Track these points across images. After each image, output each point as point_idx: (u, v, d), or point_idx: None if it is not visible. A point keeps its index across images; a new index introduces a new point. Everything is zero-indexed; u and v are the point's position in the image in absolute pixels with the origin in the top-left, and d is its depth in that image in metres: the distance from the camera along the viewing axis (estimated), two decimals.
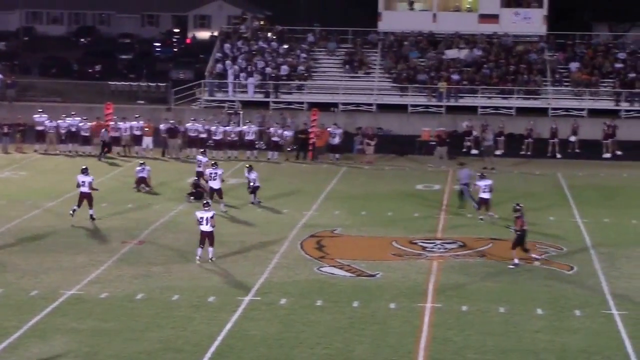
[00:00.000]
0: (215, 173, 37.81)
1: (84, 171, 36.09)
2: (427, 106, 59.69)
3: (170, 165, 48.33)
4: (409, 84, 60.87)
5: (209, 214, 30.21)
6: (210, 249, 30.49)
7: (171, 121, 52.23)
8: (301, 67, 62.58)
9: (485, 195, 36.64)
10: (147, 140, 50.96)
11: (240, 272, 29.50)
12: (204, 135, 51.31)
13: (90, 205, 35.81)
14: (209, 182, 38.25)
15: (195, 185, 39.92)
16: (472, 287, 28.25)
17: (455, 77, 60.82)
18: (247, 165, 40.43)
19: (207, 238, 30.34)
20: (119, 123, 51.78)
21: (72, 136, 51.92)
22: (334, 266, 30.28)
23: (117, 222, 35.74)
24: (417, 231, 35.30)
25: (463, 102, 59.93)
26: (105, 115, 52.57)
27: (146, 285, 27.88)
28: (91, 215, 35.86)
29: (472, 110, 58.74)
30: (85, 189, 35.72)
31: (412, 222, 36.88)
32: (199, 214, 30.44)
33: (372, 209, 38.99)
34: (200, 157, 41.96)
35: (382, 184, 44.84)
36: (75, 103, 59.99)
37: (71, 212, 35.68)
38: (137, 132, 51.35)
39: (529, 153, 52.66)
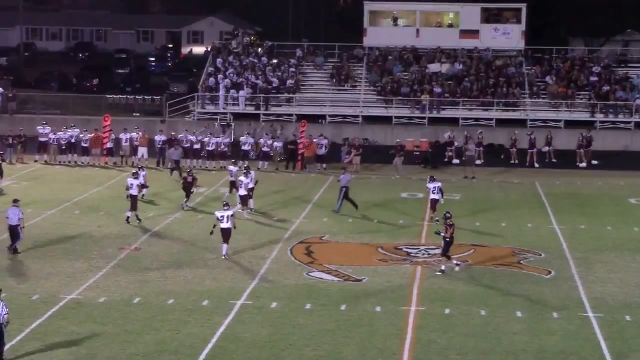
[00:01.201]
0: (241, 182, 38.20)
1: (134, 175, 37.31)
2: (410, 118, 59.74)
3: (165, 175, 48.22)
4: (393, 96, 60.91)
5: (229, 212, 31.42)
6: (225, 245, 31.46)
7: (172, 132, 52.26)
8: (290, 81, 62.59)
9: (435, 196, 37.27)
10: (142, 150, 50.94)
11: (233, 277, 29.49)
12: (197, 146, 51.29)
13: (134, 208, 36.79)
14: (239, 189, 38.54)
15: (185, 179, 39.99)
16: (454, 291, 28.28)
17: (437, 90, 60.87)
18: (245, 167, 40.52)
19: (226, 235, 31.47)
20: (120, 134, 51.89)
21: (72, 147, 51.93)
22: (322, 271, 30.28)
23: (114, 230, 35.68)
24: (402, 237, 35.35)
25: (445, 113, 59.98)
26: (103, 126, 52.48)
27: (142, 290, 27.84)
28: (136, 216, 36.77)
29: (453, 121, 58.83)
30: (134, 192, 36.68)
31: (397, 229, 36.93)
32: (219, 213, 31.57)
33: (359, 216, 39.01)
34: (231, 168, 41.66)
35: (368, 192, 44.82)
36: (74, 115, 59.86)
37: (136, 218, 36.72)
38: (136, 143, 51.44)
39: (516, 162, 52.86)
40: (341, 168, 43.09)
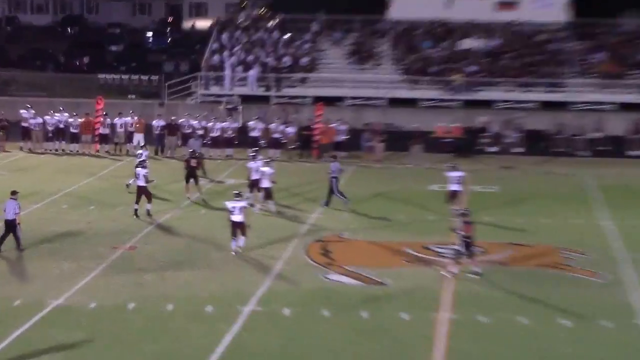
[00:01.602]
0: (263, 172, 38.39)
1: (142, 163, 37.68)
2: (440, 100, 59.62)
3: (164, 165, 48.23)
4: (421, 76, 60.80)
5: (241, 203, 31.64)
6: (243, 238, 31.83)
7: (172, 117, 52.35)
8: (304, 59, 62.54)
9: (456, 188, 37.53)
10: (138, 137, 51.03)
11: (240, 280, 29.41)
12: (200, 132, 51.28)
13: (149, 200, 37.05)
14: (262, 181, 38.68)
15: (187, 163, 40.07)
16: (491, 296, 28.15)
17: (470, 68, 60.77)
18: (252, 155, 40.50)
19: (238, 228, 31.62)
20: (115, 119, 52.02)
21: (60, 133, 52.01)
22: (341, 273, 30.19)
23: (107, 226, 35.69)
24: (431, 235, 35.19)
25: (480, 95, 59.85)
26: (96, 110, 52.55)
27: (138, 294, 27.79)
28: (135, 211, 36.91)
29: (489, 104, 58.66)
30: (141, 182, 36.88)
31: (426, 226, 36.81)
32: (229, 204, 31.76)
33: (382, 212, 38.96)
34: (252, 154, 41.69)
35: (393, 184, 44.80)
36: (61, 98, 60.01)
37: (134, 212, 36.94)
38: (131, 129, 51.56)
39: (562, 150, 52.71)
40: (331, 156, 43.03)
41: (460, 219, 30.60)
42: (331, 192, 39.53)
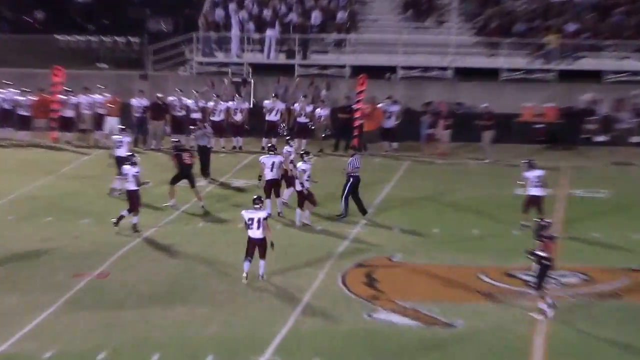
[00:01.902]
0: (296, 169, 38.56)
1: (130, 159, 37.64)
2: (528, 71, 59.45)
3: (147, 159, 48.21)
4: (501, 38, 60.66)
5: (261, 214, 31.47)
6: (262, 262, 31.67)
7: (159, 95, 52.32)
8: (340, 14, 62.47)
9: (537, 192, 37.63)
10: (112, 122, 51.03)
11: (253, 319, 29.27)
12: (197, 115, 51.18)
13: (134, 210, 37.12)
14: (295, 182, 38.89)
15: (179, 159, 39.96)
16: (597, 342, 27.90)
17: (570, 27, 60.58)
18: (269, 147, 40.51)
19: (257, 247, 31.56)
20: (77, 97, 52.10)
21: (5, 116, 52.10)
22: (392, 310, 30.05)
23: (69, 244, 35.68)
24: (516, 258, 34.89)
25: (582, 64, 59.68)
26: (52, 85, 52.59)
27: (111, 339, 27.65)
28: (117, 219, 37.24)
29: (596, 76, 58.46)
30: (131, 186, 37.04)
31: (509, 244, 36.56)
32: (247, 214, 31.58)
33: (449, 225, 38.93)
34: (288, 149, 41.42)
35: (464, 187, 44.65)
36: (7, 67, 60.14)
37: (114, 220, 37.22)
38: (101, 110, 51.57)
39: None
40: (350, 147, 42.86)
41: (537, 233, 30.19)
42: (352, 194, 39.65)
